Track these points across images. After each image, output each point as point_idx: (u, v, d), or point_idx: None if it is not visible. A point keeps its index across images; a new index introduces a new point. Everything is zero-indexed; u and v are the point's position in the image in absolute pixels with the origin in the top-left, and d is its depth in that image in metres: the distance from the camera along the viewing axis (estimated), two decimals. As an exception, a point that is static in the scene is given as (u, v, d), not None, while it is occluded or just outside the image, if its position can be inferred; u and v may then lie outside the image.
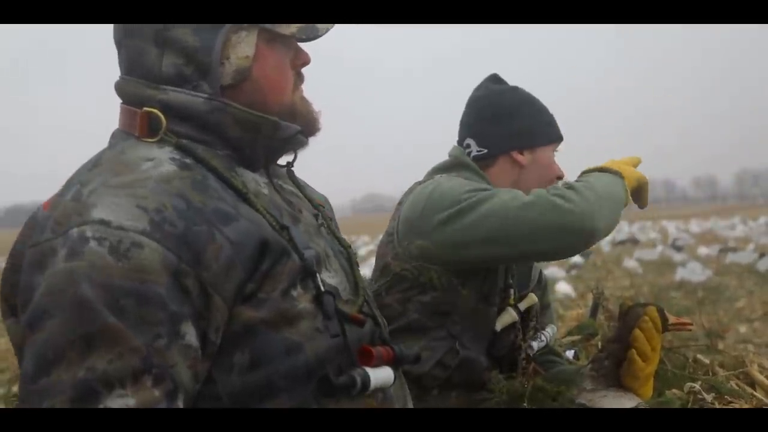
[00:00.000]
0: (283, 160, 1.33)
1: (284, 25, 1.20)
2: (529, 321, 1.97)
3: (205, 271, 1.03)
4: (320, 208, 1.35)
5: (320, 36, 1.23)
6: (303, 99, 1.28)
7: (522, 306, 1.90)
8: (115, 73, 1.23)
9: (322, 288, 1.15)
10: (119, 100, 1.23)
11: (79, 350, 0.95)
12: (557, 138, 2.02)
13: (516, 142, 1.96)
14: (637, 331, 1.67)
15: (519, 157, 1.96)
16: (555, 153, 2.02)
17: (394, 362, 1.22)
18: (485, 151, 1.96)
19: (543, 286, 2.18)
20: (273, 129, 1.21)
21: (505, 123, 1.96)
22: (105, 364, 0.94)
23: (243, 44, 1.18)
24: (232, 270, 1.05)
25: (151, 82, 1.17)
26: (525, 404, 1.70)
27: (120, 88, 1.22)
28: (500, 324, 1.87)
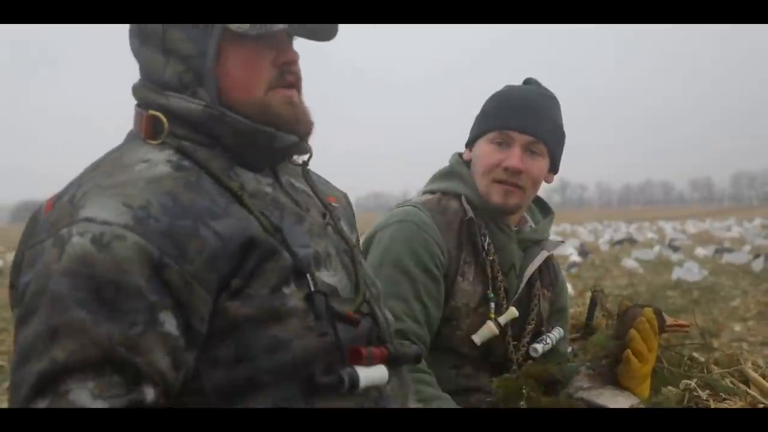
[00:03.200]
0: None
1: (236, 24, 1.16)
2: (526, 326, 1.95)
3: (188, 264, 1.04)
4: (330, 206, 1.33)
5: (274, 32, 1.17)
6: (285, 97, 1.21)
7: (502, 320, 1.87)
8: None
9: (313, 287, 1.13)
10: (130, 101, 1.25)
11: (45, 342, 0.98)
12: (488, 128, 1.88)
13: (467, 142, 1.98)
14: (633, 332, 1.65)
15: (465, 154, 1.98)
16: (498, 142, 1.86)
17: (390, 361, 1.20)
18: None
19: (559, 291, 2.14)
20: (269, 139, 1.20)
21: None
22: (65, 356, 0.97)
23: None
24: (216, 263, 1.06)
25: (157, 87, 1.19)
26: (523, 394, 1.68)
27: (134, 91, 1.25)
28: (479, 338, 1.85)
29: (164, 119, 1.17)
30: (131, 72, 1.25)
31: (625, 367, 1.65)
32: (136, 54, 1.23)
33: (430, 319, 1.80)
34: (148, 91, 1.20)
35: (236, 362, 1.07)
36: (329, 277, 1.19)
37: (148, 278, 1.01)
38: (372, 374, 1.15)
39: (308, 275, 1.14)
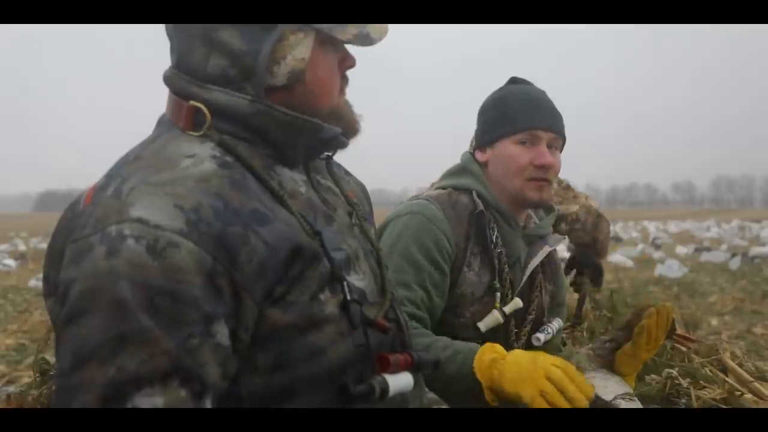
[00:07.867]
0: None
1: (341, 30, 1.13)
2: (527, 316, 1.94)
3: (238, 272, 0.97)
4: (355, 206, 1.27)
5: (374, 44, 1.16)
6: (347, 102, 1.21)
7: (507, 309, 1.86)
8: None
9: (349, 296, 1.09)
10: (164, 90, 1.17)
11: (111, 349, 0.90)
12: (515, 129, 1.84)
13: (478, 141, 1.95)
14: (644, 322, 1.68)
15: (478, 155, 1.94)
16: (525, 142, 1.84)
17: (413, 368, 1.16)
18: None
19: (560, 285, 2.12)
20: (315, 131, 1.14)
21: (477, 124, 1.97)
22: (135, 365, 0.90)
23: (300, 46, 1.11)
24: (264, 272, 1.00)
25: (196, 80, 1.11)
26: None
27: (168, 80, 1.16)
28: (484, 325, 1.84)
29: (207, 111, 1.10)
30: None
31: (636, 339, 1.69)
32: (171, 39, 1.15)
33: (433, 307, 1.79)
34: (187, 83, 1.12)
35: (274, 369, 1.03)
36: (358, 280, 1.14)
37: (202, 287, 0.94)
38: (399, 382, 1.11)
39: (344, 282, 1.09)
